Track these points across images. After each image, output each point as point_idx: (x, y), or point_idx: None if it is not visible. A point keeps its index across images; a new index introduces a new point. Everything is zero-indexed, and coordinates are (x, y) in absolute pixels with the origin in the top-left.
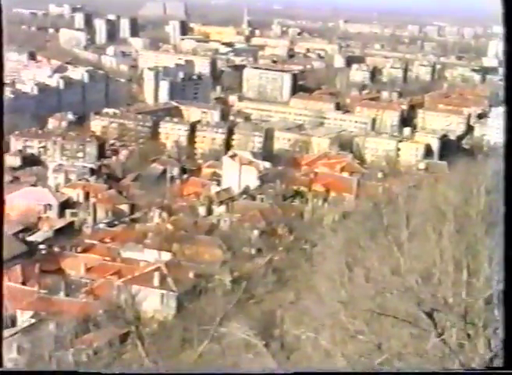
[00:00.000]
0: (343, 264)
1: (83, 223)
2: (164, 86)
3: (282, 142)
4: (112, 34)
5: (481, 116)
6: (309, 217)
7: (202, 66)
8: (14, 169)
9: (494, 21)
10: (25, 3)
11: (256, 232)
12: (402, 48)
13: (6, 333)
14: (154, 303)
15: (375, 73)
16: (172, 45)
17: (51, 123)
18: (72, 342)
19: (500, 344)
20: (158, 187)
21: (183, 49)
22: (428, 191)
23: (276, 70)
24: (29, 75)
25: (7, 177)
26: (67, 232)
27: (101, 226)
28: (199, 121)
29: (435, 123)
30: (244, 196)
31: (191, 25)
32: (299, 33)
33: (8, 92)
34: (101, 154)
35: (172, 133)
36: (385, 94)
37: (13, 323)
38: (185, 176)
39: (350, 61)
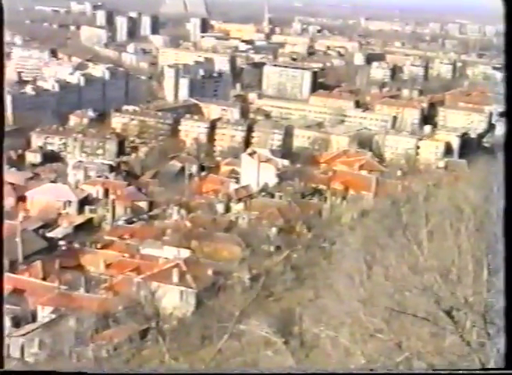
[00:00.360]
0: (361, 262)
1: (102, 219)
2: (184, 83)
3: (301, 140)
4: (133, 32)
5: (502, 115)
6: (327, 215)
7: (222, 64)
8: (34, 165)
9: None
10: (47, 1)
11: (274, 230)
12: (423, 45)
13: (27, 328)
14: (174, 300)
15: (395, 70)
16: (192, 43)
17: (73, 120)
18: (92, 338)
19: None
20: (177, 185)
21: (203, 47)
22: (448, 190)
23: (296, 68)
24: (50, 72)
25: (28, 174)
26: (86, 228)
27: (120, 222)
28: (219, 119)
29: (456, 121)
30: (263, 194)
31: (212, 22)
32: (319, 31)
33: (29, 89)
34: (121, 151)
35: (191, 130)
36: (405, 92)
37: (34, 319)
38: (203, 173)
39: (370, 58)
